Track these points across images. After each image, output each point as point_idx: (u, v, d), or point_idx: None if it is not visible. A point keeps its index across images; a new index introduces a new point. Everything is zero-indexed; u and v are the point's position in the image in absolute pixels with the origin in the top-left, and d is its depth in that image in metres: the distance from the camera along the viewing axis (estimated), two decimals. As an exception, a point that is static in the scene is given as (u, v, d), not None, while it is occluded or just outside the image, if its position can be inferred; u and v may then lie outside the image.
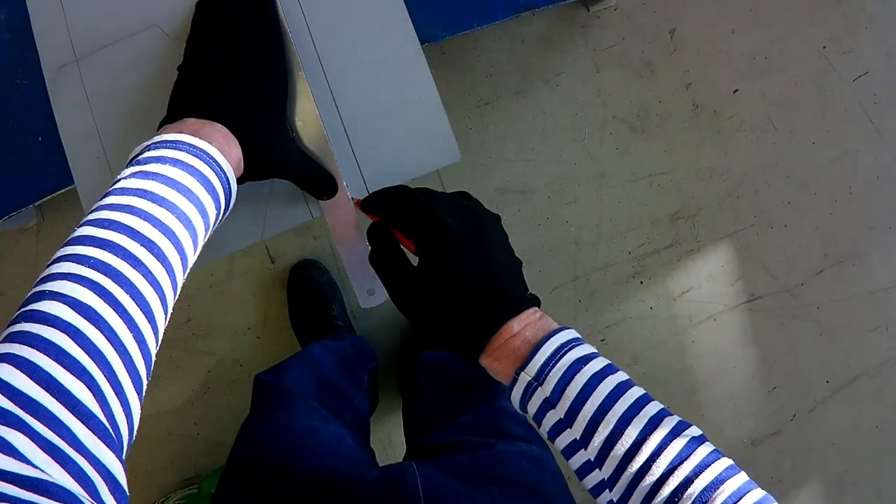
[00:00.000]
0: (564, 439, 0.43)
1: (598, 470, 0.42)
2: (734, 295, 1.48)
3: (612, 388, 0.42)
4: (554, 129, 1.44)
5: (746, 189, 1.50)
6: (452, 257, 0.46)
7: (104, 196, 0.41)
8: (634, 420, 0.41)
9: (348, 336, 1.25)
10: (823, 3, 1.49)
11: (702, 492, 0.38)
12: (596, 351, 0.45)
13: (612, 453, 0.41)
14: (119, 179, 0.42)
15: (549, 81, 1.45)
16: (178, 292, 0.41)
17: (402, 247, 0.50)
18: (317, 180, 0.53)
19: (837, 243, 1.50)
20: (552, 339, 0.44)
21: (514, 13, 0.73)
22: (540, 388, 0.43)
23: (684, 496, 0.38)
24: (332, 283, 1.38)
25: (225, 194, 0.46)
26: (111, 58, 0.58)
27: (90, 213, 0.40)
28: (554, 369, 0.43)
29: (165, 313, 0.40)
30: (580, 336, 0.46)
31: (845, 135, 1.49)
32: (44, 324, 0.33)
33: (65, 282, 0.35)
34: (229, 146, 0.47)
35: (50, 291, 0.34)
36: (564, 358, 0.43)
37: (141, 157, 0.43)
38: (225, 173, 0.45)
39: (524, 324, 0.46)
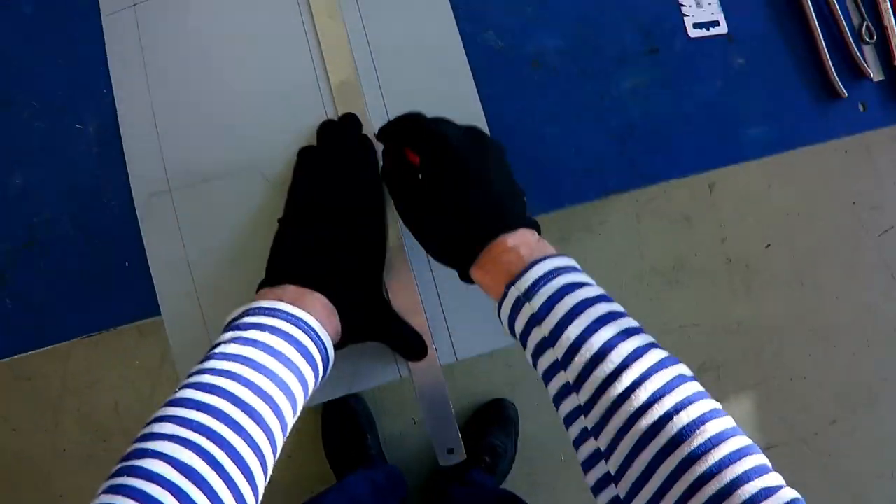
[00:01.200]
0: (546, 360, 0.42)
1: (574, 394, 0.40)
2: (753, 445, 1.50)
3: (602, 313, 0.41)
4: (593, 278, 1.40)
5: (771, 342, 1.52)
6: (453, 172, 0.47)
7: (205, 360, 0.42)
8: (619, 345, 0.39)
9: (382, 465, 1.26)
10: (857, 157, 1.49)
11: (682, 428, 0.36)
12: (593, 281, 0.44)
13: (591, 376, 0.39)
14: (219, 343, 0.43)
15: (591, 230, 1.41)
16: (279, 454, 0.42)
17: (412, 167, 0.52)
18: (409, 344, 0.55)
19: (852, 393, 1.54)
20: (548, 260, 0.44)
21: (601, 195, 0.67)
22: (528, 303, 0.42)
23: (663, 431, 0.36)
24: (369, 413, 1.35)
25: (323, 362, 0.47)
26: (207, 193, 0.58)
27: (191, 375, 0.41)
28: (545, 287, 0.42)
29: (266, 475, 0.41)
30: (579, 266, 0.45)
31: (868, 289, 1.52)
32: (147, 480, 0.34)
33: (167, 442, 0.36)
34: (329, 317, 0.48)
35: (153, 450, 0.36)
36: (557, 279, 0.42)
37: (240, 321, 0.44)
38: (323, 343, 0.46)
39: (519, 241, 0.45)
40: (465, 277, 0.49)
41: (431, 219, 0.49)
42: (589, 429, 0.39)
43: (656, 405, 0.37)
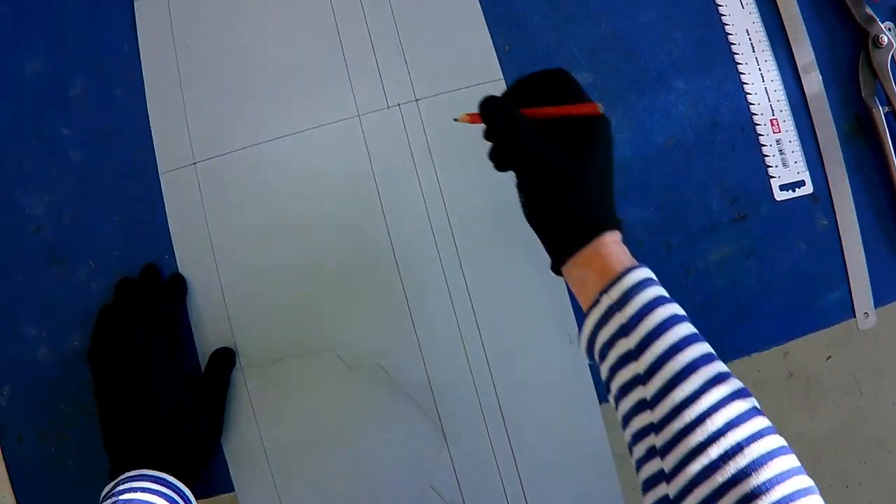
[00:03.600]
0: (627, 373, 0.42)
1: (649, 411, 0.41)
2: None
3: (687, 333, 0.42)
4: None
5: (828, 451, 1.50)
6: (605, 149, 0.47)
7: None
8: (701, 370, 0.40)
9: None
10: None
11: (750, 462, 0.36)
12: (672, 299, 0.45)
13: (669, 396, 0.40)
14: None
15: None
16: None
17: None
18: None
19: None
20: (638, 270, 0.44)
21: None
22: (619, 312, 0.43)
23: (730, 462, 0.37)
24: None
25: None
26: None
27: None
28: (637, 297, 0.43)
29: None
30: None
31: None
32: None
33: None
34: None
35: None
36: (649, 290, 0.43)
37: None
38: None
39: (616, 244, 0.46)
40: (559, 261, 0.48)
41: (572, 190, 0.47)
42: (657, 447, 0.39)
43: (729, 434, 0.37)
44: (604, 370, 0.45)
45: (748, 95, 0.64)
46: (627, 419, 0.43)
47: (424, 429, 0.57)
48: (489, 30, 0.61)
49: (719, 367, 0.41)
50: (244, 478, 0.57)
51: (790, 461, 0.38)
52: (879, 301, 0.64)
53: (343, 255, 0.58)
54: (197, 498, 0.57)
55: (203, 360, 0.57)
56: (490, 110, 0.48)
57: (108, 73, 0.61)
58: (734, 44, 0.65)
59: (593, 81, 0.61)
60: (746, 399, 0.40)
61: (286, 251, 0.58)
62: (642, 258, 0.61)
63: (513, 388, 0.58)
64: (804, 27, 0.66)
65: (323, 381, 0.57)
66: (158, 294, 0.56)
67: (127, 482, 0.49)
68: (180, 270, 0.58)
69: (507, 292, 0.58)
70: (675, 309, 0.43)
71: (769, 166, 0.64)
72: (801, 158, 0.65)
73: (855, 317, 0.66)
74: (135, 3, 0.62)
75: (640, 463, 0.42)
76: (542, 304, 0.53)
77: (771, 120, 0.64)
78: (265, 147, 0.59)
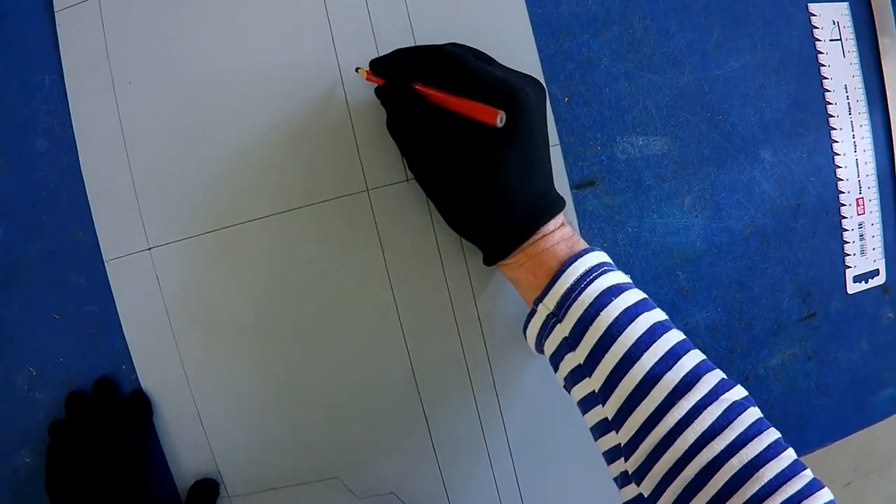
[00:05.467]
0: (582, 390, 0.37)
1: (614, 433, 0.36)
2: None
3: (642, 331, 0.35)
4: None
5: None
6: (530, 135, 0.38)
7: None
8: (665, 376, 0.34)
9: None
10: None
11: (734, 476, 0.31)
12: (629, 281, 0.38)
13: (633, 415, 0.34)
14: None
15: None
16: None
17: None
18: None
19: (869, 458, 1.60)
20: (579, 261, 0.38)
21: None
22: (560, 324, 0.37)
23: (712, 479, 0.31)
24: None
25: None
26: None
27: None
28: (576, 303, 0.36)
29: None
30: (609, 260, 0.40)
31: None
32: None
33: None
34: None
35: None
36: (589, 290, 0.36)
37: None
38: None
39: (557, 235, 0.39)
40: (490, 264, 0.42)
41: (489, 184, 0.38)
42: (630, 473, 0.35)
43: (705, 450, 0.32)
44: (559, 379, 0.39)
45: (838, 169, 0.54)
46: (595, 436, 0.38)
47: (445, 566, 0.49)
48: (544, 75, 0.47)
49: (687, 364, 0.35)
50: None
51: (780, 463, 0.32)
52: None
53: (347, 364, 0.47)
54: None
55: (183, 492, 0.46)
56: (387, 98, 0.41)
57: (25, 117, 0.44)
58: (830, 103, 0.54)
59: (668, 150, 0.49)
60: (722, 399, 0.33)
61: (274, 356, 0.46)
62: (700, 363, 0.53)
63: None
64: (909, 88, 0.55)
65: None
66: (119, 412, 0.44)
67: None
68: (142, 382, 0.45)
69: (545, 418, 0.49)
70: (625, 302, 0.36)
71: (847, 254, 0.55)
72: (879, 245, 0.56)
73: (901, 412, 0.60)
74: (56, 19, 0.44)
75: (618, 484, 0.37)
76: (583, 434, 0.43)
77: (857, 199, 0.55)
78: (244, 227, 0.45)
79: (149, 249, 0.45)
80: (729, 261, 0.52)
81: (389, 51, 0.41)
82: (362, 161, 0.45)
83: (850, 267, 0.56)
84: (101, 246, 0.45)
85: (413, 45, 0.44)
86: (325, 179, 0.45)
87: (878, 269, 0.57)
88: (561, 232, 0.40)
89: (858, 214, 0.55)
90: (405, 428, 0.47)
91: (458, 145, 0.39)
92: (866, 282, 0.57)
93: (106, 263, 0.45)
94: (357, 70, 0.43)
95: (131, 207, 0.44)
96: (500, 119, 0.36)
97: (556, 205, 0.40)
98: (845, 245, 0.55)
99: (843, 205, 0.55)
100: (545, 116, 0.40)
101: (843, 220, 0.55)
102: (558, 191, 0.43)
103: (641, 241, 0.49)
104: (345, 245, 0.45)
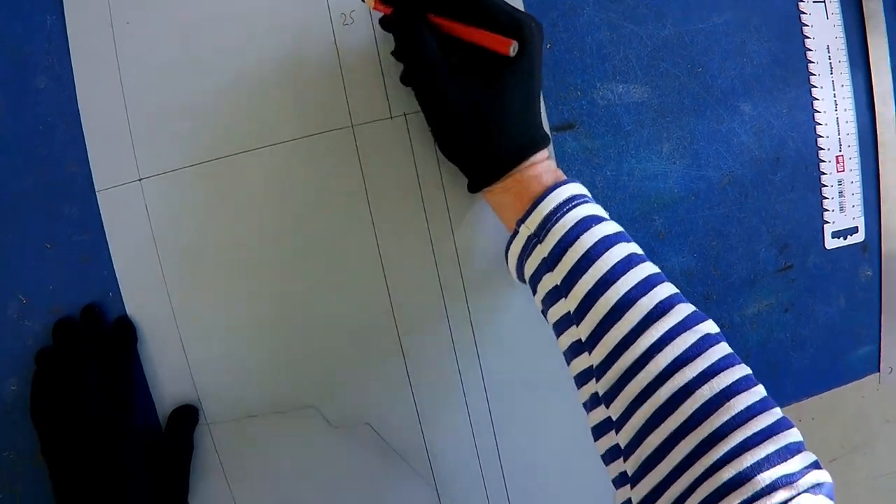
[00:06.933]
0: (557, 311, 0.38)
1: (587, 354, 0.36)
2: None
3: (620, 258, 0.36)
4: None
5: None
6: (532, 68, 0.41)
7: None
8: (639, 302, 0.35)
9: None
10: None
11: (705, 403, 0.32)
12: (606, 214, 0.40)
13: (606, 336, 0.35)
14: None
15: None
16: None
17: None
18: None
19: (855, 434, 1.60)
20: (561, 188, 0.39)
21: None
22: (540, 244, 0.38)
23: (683, 405, 0.32)
24: None
25: None
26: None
27: None
28: (557, 225, 0.38)
29: None
30: (589, 194, 0.41)
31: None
32: None
33: None
34: None
35: None
36: (571, 214, 0.38)
37: None
38: None
39: (541, 165, 0.41)
40: (476, 189, 0.43)
41: (493, 114, 0.40)
42: (600, 395, 0.36)
43: (677, 375, 0.32)
44: (537, 302, 0.40)
45: (818, 126, 0.55)
46: (568, 359, 0.38)
47: (417, 492, 0.51)
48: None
49: (662, 292, 0.35)
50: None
51: (751, 396, 0.32)
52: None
53: (327, 296, 0.48)
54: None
55: (163, 417, 0.48)
56: (401, 26, 0.41)
57: (26, 55, 0.46)
58: (812, 62, 0.55)
59: (648, 98, 0.51)
60: (694, 329, 0.34)
61: (258, 287, 0.48)
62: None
63: (518, 455, 0.51)
64: (888, 51, 0.56)
65: (302, 440, 0.49)
66: (104, 340, 0.46)
67: None
68: (128, 310, 0.47)
69: (520, 353, 0.50)
70: (604, 230, 0.37)
71: (826, 210, 0.56)
72: (859, 202, 0.57)
73: (879, 371, 0.61)
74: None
75: (587, 408, 0.38)
76: (557, 369, 0.45)
77: (837, 156, 0.56)
78: (232, 160, 0.47)
79: (139, 180, 0.47)
80: (706, 208, 0.53)
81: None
82: (348, 97, 0.47)
83: (828, 222, 0.57)
84: (93, 177, 0.47)
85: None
86: (312, 114, 0.47)
87: (856, 227, 0.58)
88: (547, 163, 0.42)
89: (838, 171, 0.57)
90: (381, 360, 0.49)
91: (469, 71, 0.41)
92: (845, 238, 0.58)
93: (97, 194, 0.47)
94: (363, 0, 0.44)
95: (124, 139, 0.46)
96: (513, 49, 0.39)
97: (545, 139, 0.42)
98: (824, 200, 0.56)
99: (823, 161, 0.56)
100: (542, 54, 0.42)
101: (823, 177, 0.56)
102: (538, 131, 0.45)
103: (619, 184, 0.51)
104: (329, 179, 0.47)
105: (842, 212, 0.57)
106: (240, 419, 0.48)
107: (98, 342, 0.45)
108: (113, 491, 0.44)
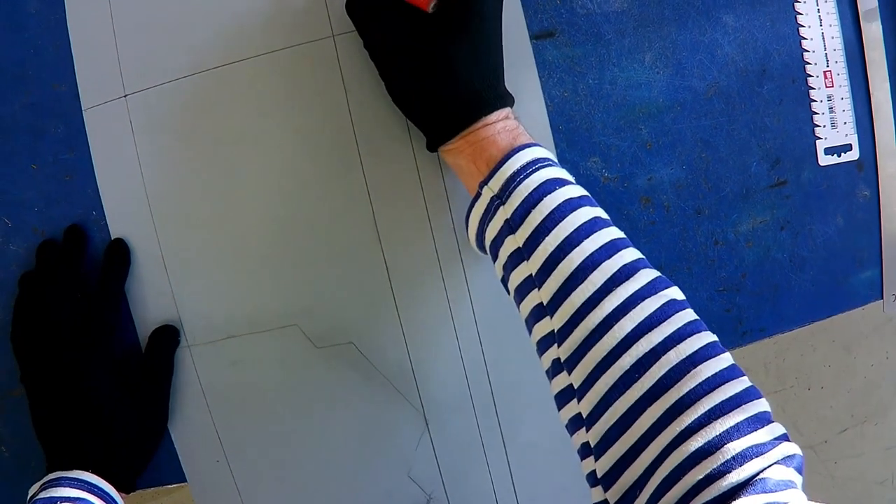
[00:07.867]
0: (519, 275, 0.36)
1: (548, 318, 0.35)
2: (762, 453, 1.54)
3: (584, 220, 0.35)
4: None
5: (793, 352, 1.51)
6: (484, 25, 0.40)
7: None
8: (602, 265, 0.34)
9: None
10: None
11: (671, 369, 0.31)
12: (573, 180, 0.39)
13: (569, 298, 0.34)
14: None
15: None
16: None
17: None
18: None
19: (864, 404, 1.56)
20: (526, 150, 0.38)
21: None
22: (503, 206, 0.37)
23: (648, 371, 0.31)
24: None
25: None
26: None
27: None
28: (521, 186, 0.37)
29: None
30: (555, 159, 0.40)
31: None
32: None
33: None
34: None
35: None
36: (537, 174, 0.37)
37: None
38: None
39: (501, 125, 0.40)
40: (434, 148, 0.42)
41: (434, 67, 0.39)
42: (562, 360, 0.34)
43: (642, 340, 0.31)
44: (498, 269, 0.38)
45: (803, 41, 0.55)
46: (529, 326, 0.36)
47: (403, 415, 0.49)
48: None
49: (627, 256, 0.34)
50: (197, 468, 0.49)
51: (719, 363, 0.31)
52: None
53: (309, 213, 0.48)
54: (143, 486, 0.49)
55: (143, 338, 0.47)
56: None
57: None
58: (793, -24, 0.55)
59: (628, 7, 0.51)
60: (660, 294, 0.33)
61: (239, 206, 0.47)
62: (667, 223, 0.53)
63: (506, 372, 0.50)
64: (874, -36, 0.56)
65: (284, 360, 0.48)
66: (84, 262, 0.46)
67: (48, 488, 0.41)
68: (111, 230, 0.47)
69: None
70: (568, 193, 0.36)
71: (817, 125, 0.55)
72: (850, 119, 0.56)
73: (883, 298, 0.59)
74: None
75: (549, 375, 0.36)
76: None
77: (825, 72, 0.55)
78: (214, 74, 0.47)
79: (125, 97, 0.47)
80: (693, 119, 0.52)
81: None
82: (328, 6, 0.48)
83: (820, 138, 0.56)
84: (80, 95, 0.47)
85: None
86: (291, 25, 0.47)
87: (850, 145, 0.57)
88: (504, 124, 0.41)
89: (827, 87, 0.56)
90: (365, 276, 0.48)
91: (411, 30, 0.40)
92: (839, 155, 0.57)
93: (84, 112, 0.47)
94: None
95: (111, 55, 0.47)
96: (431, 6, 0.39)
97: (502, 99, 0.41)
98: (814, 116, 0.55)
99: (811, 76, 0.55)
100: (500, 11, 0.42)
101: (812, 91, 0.55)
102: (515, 40, 0.44)
103: (602, 92, 0.51)
104: (312, 93, 0.47)
105: (833, 128, 0.56)
106: (221, 340, 0.47)
107: (78, 265, 0.45)
108: (88, 416, 0.43)
